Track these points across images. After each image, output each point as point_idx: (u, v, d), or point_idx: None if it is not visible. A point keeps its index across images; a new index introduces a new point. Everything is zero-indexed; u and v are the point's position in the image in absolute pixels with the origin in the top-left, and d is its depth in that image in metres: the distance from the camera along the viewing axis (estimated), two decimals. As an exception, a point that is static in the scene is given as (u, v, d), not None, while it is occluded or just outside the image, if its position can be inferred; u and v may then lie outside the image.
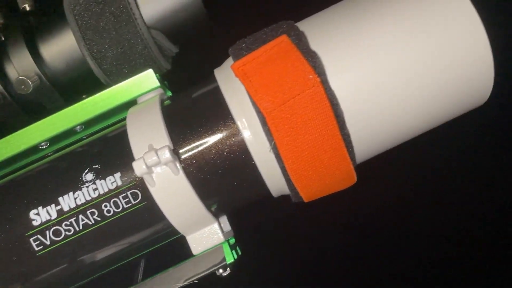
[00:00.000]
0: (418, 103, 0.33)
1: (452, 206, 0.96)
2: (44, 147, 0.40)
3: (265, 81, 0.31)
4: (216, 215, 0.38)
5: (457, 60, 0.32)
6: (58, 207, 0.33)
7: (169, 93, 0.42)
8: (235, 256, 0.37)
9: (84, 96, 0.41)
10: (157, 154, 0.31)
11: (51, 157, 0.37)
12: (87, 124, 0.39)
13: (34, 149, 0.39)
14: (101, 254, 0.35)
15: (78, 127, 0.39)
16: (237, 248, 0.40)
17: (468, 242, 0.95)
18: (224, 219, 0.40)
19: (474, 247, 0.95)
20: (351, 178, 0.36)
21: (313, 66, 0.31)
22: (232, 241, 0.40)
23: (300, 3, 0.54)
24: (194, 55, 0.48)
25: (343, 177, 0.35)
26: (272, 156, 0.33)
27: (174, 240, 0.38)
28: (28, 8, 0.41)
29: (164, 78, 0.44)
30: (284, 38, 0.32)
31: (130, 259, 0.38)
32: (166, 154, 0.31)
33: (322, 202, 0.39)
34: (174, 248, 0.38)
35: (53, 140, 0.39)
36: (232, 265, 0.37)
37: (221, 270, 0.36)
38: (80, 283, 0.37)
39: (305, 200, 0.37)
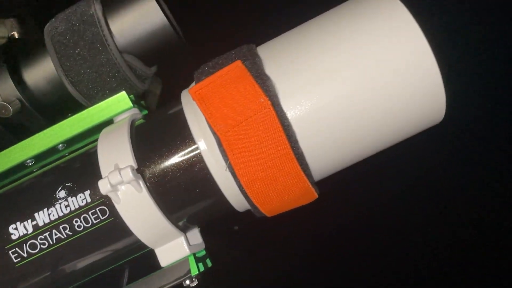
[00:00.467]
0: (368, 124, 0.34)
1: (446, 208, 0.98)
2: (30, 164, 0.43)
3: (219, 105, 0.33)
4: (186, 228, 0.40)
5: (406, 85, 0.33)
6: (34, 222, 0.36)
7: (145, 112, 0.44)
8: (202, 269, 0.39)
9: (70, 115, 0.44)
10: (120, 174, 0.33)
11: (32, 175, 0.40)
12: (69, 142, 0.42)
13: (21, 166, 0.43)
14: (74, 266, 0.37)
15: (60, 145, 0.42)
16: (207, 260, 0.42)
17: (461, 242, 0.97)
18: (195, 232, 0.43)
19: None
20: (310, 194, 0.37)
21: (264, 89, 0.33)
22: (202, 253, 0.42)
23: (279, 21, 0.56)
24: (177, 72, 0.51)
25: (301, 194, 0.37)
26: (229, 174, 0.35)
27: (147, 252, 0.40)
28: (16, 36, 0.44)
29: (144, 97, 0.46)
30: (238, 64, 0.34)
31: (104, 270, 0.40)
32: (129, 174, 0.33)
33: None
34: (149, 260, 0.41)
35: (37, 157, 0.42)
36: (200, 277, 0.39)
37: (188, 282, 0.38)
38: None
39: (268, 215, 0.39)
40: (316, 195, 0.38)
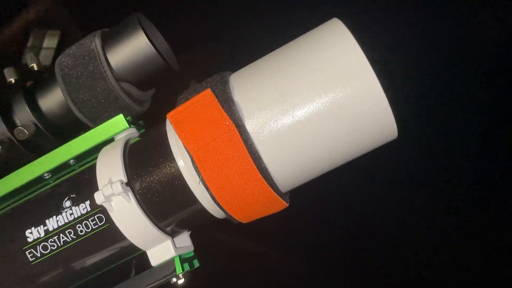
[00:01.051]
0: (322, 142, 0.39)
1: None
2: (47, 177, 0.50)
3: (191, 127, 0.39)
4: (174, 233, 0.46)
5: (354, 107, 0.38)
6: (45, 228, 0.43)
7: (142, 131, 0.50)
8: (187, 268, 0.45)
9: (82, 133, 0.51)
10: (111, 187, 0.40)
11: (46, 187, 0.48)
12: (77, 158, 0.49)
13: (39, 179, 0.50)
14: (78, 265, 0.44)
15: (71, 161, 0.49)
16: (194, 260, 0.48)
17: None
18: (184, 236, 0.48)
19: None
20: (279, 202, 0.42)
21: (229, 113, 0.38)
22: (189, 255, 0.48)
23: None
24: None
25: (270, 203, 0.42)
26: (203, 187, 0.40)
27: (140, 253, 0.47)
28: (35, 68, 0.52)
29: (142, 117, 0.53)
30: (208, 91, 0.39)
31: (106, 269, 0.47)
32: (118, 187, 0.40)
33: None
34: (141, 260, 0.47)
35: (53, 172, 0.50)
36: (186, 275, 0.45)
37: (174, 279, 0.44)
38: None
39: (244, 222, 0.44)
40: (285, 204, 0.43)
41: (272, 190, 0.40)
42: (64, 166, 0.50)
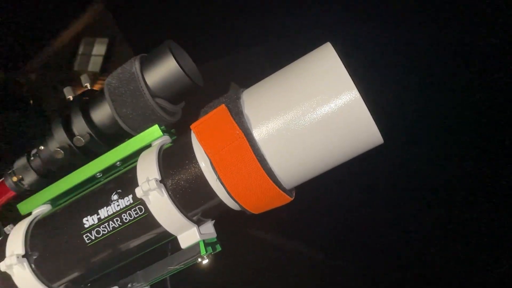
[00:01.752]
0: (316, 147, 0.47)
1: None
2: (99, 176, 0.62)
3: (210, 136, 0.49)
4: (199, 221, 0.55)
5: (343, 120, 0.45)
6: (98, 216, 0.54)
7: (174, 138, 0.61)
8: (210, 251, 0.54)
9: (125, 140, 0.62)
10: (148, 184, 0.50)
11: (97, 185, 0.59)
12: (122, 161, 0.60)
13: (93, 178, 0.62)
14: (124, 246, 0.55)
15: (118, 163, 0.60)
16: (217, 245, 0.58)
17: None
18: (209, 224, 0.58)
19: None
20: (283, 197, 0.51)
21: (239, 124, 0.47)
22: (213, 240, 0.57)
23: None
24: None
25: (276, 197, 0.50)
26: (221, 184, 0.49)
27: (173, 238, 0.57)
28: (88, 87, 0.64)
29: (174, 125, 0.63)
30: (222, 107, 0.49)
31: (146, 250, 0.57)
32: (154, 184, 0.50)
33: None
34: (174, 243, 0.57)
35: (103, 171, 0.61)
36: (209, 256, 0.54)
37: (199, 259, 0.54)
38: (114, 267, 0.58)
39: (255, 212, 0.53)
40: (289, 198, 0.52)
41: (276, 187, 0.49)
42: (112, 167, 0.61)
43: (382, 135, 0.48)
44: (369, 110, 0.46)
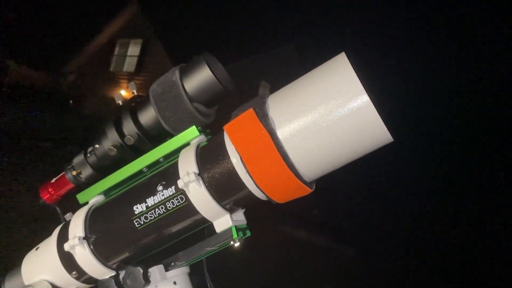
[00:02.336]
0: (331, 145, 0.54)
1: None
2: (145, 170, 0.71)
3: (240, 135, 0.57)
4: (232, 209, 0.64)
5: (355, 121, 0.53)
6: (146, 204, 0.64)
7: (209, 137, 0.69)
8: (241, 235, 0.63)
9: (167, 139, 0.71)
10: (188, 176, 0.59)
11: (144, 178, 0.68)
12: (165, 157, 0.69)
13: (140, 172, 0.71)
14: (168, 230, 0.64)
15: (161, 159, 0.70)
16: (247, 230, 0.66)
17: None
18: (240, 212, 0.67)
19: None
20: (304, 189, 0.58)
21: (265, 125, 0.55)
22: (243, 226, 0.66)
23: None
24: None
25: (297, 188, 0.58)
26: (250, 177, 0.58)
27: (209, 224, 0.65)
28: (135, 93, 0.74)
29: (208, 126, 0.71)
30: (250, 110, 0.57)
31: (187, 234, 0.66)
32: (193, 177, 0.59)
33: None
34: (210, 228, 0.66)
35: (149, 166, 0.71)
36: (240, 240, 0.63)
37: (232, 242, 0.62)
38: (159, 248, 0.67)
39: (279, 202, 0.61)
40: (309, 190, 0.59)
41: (297, 180, 0.56)
42: (156, 163, 0.70)
43: (393, 134, 0.54)
44: (380, 111, 0.53)
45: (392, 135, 0.55)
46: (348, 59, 0.56)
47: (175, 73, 0.66)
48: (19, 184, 5.20)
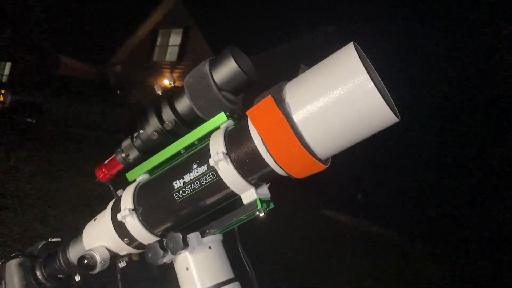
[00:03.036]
0: (340, 127, 0.62)
1: None
2: (182, 152, 0.82)
3: (261, 119, 0.65)
4: (257, 184, 0.73)
5: (361, 104, 0.59)
6: (183, 180, 0.74)
7: (236, 121, 0.78)
8: (265, 206, 0.72)
9: (200, 124, 0.81)
10: (218, 156, 0.68)
11: (181, 158, 0.79)
12: (199, 140, 0.79)
13: (178, 153, 0.82)
14: (203, 203, 0.74)
15: (196, 141, 0.80)
16: (271, 203, 0.75)
17: None
18: (264, 187, 0.75)
19: None
20: (319, 165, 0.66)
21: (282, 110, 0.63)
22: (267, 199, 0.75)
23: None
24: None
25: (312, 165, 0.66)
26: (270, 156, 0.66)
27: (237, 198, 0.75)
28: (173, 84, 0.84)
29: (236, 112, 0.80)
30: (269, 97, 0.65)
31: (219, 206, 0.76)
32: (221, 156, 0.68)
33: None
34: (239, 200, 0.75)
35: (186, 148, 0.81)
36: (265, 211, 0.72)
37: (257, 212, 0.71)
38: (196, 218, 0.77)
39: (298, 177, 0.69)
40: (323, 166, 0.67)
41: (312, 157, 0.64)
42: (192, 145, 0.80)
43: (399, 114, 0.61)
44: (386, 96, 0.59)
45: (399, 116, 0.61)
46: (359, 49, 0.62)
47: (205, 66, 0.76)
48: (77, 169, 5.63)
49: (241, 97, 0.81)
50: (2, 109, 9.19)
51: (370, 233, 6.81)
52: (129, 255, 0.89)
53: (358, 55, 0.61)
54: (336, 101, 0.61)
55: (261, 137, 0.66)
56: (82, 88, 10.38)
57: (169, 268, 0.83)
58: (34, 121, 9.42)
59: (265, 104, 0.66)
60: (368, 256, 5.46)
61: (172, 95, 0.82)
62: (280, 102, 0.65)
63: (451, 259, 6.12)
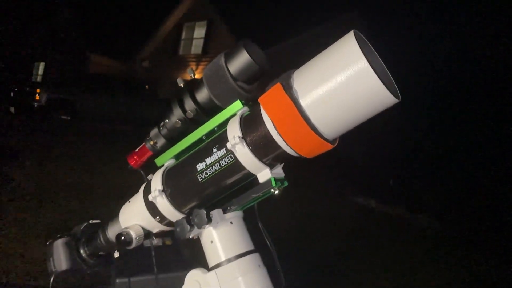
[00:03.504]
0: (343, 108, 0.68)
1: None
2: (204, 138, 0.90)
3: (271, 105, 0.72)
4: (271, 165, 0.80)
5: (361, 87, 0.66)
6: (205, 163, 0.82)
7: (251, 108, 0.85)
8: (279, 184, 0.79)
9: (218, 111, 0.89)
10: (234, 139, 0.76)
11: (203, 143, 0.87)
12: (218, 126, 0.87)
13: (200, 139, 0.90)
14: (223, 183, 0.82)
15: (215, 128, 0.88)
16: (285, 181, 0.82)
17: None
18: (278, 167, 0.83)
19: None
20: (326, 145, 0.73)
21: (290, 96, 0.70)
22: (281, 177, 0.82)
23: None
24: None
25: (320, 145, 0.73)
26: (281, 137, 0.73)
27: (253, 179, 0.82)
28: (193, 77, 0.92)
29: (251, 99, 0.88)
30: (278, 84, 0.72)
31: (238, 186, 0.84)
32: (237, 139, 0.76)
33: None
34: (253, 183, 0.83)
35: (206, 135, 0.89)
36: (280, 188, 0.79)
37: (272, 190, 0.79)
38: (218, 197, 0.86)
39: (308, 157, 0.76)
40: (330, 146, 0.73)
41: (319, 137, 0.71)
42: (212, 131, 0.88)
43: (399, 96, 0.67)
44: (387, 78, 0.65)
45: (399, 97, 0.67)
46: (361, 36, 0.68)
47: (221, 58, 0.83)
48: (110, 161, 5.90)
49: (255, 86, 0.88)
50: (39, 107, 9.64)
51: (402, 218, 6.77)
52: (162, 238, 0.99)
53: (359, 42, 0.67)
54: (338, 85, 0.67)
55: (272, 121, 0.73)
56: (111, 84, 10.72)
57: (199, 252, 0.92)
58: (68, 118, 9.84)
59: (275, 91, 0.73)
60: (400, 242, 5.45)
61: (192, 86, 0.90)
62: (288, 89, 0.72)
63: (487, 245, 6.02)
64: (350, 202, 7.14)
